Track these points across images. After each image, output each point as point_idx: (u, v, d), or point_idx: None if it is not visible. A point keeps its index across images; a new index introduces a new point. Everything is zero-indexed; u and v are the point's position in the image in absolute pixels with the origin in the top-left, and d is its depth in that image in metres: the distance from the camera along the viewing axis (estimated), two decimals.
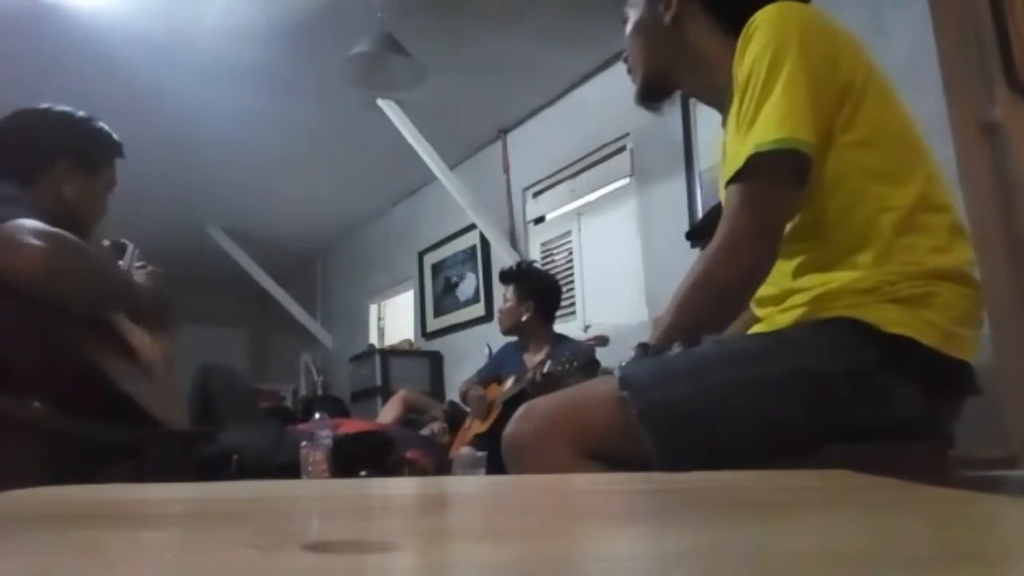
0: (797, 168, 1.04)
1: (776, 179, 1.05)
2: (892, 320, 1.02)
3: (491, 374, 3.26)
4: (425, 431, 3.32)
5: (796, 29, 1.08)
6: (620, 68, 1.42)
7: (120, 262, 1.78)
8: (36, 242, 1.30)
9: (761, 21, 1.10)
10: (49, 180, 1.58)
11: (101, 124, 1.70)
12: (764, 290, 1.14)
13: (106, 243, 1.84)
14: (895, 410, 1.04)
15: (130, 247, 1.83)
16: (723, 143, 1.36)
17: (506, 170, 4.15)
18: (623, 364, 1.13)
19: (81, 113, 1.68)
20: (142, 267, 1.83)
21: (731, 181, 1.08)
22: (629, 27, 1.33)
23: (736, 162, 1.07)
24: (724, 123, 1.30)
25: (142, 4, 2.91)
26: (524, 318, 3.10)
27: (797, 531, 0.42)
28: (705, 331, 1.14)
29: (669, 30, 1.27)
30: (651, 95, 1.34)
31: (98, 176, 1.67)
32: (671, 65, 1.30)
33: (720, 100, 1.28)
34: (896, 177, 1.09)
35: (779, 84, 1.04)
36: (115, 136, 1.72)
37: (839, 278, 1.07)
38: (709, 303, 1.11)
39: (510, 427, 1.08)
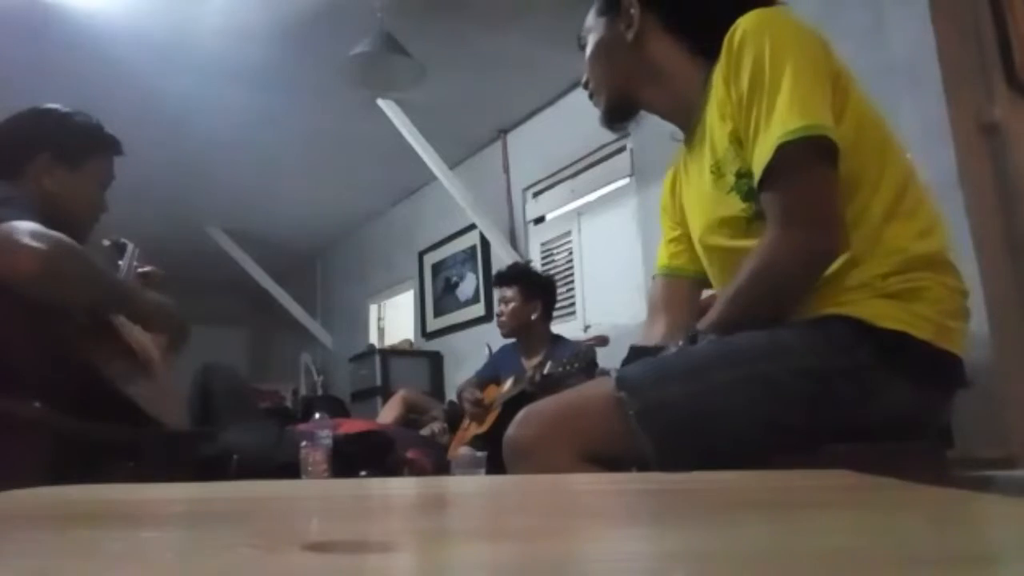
0: (827, 152, 1.04)
1: (814, 162, 1.04)
2: (885, 315, 1.03)
3: (490, 376, 3.25)
4: (425, 431, 3.32)
5: (787, 29, 1.10)
6: None
7: (120, 262, 1.78)
8: (34, 243, 1.30)
9: (748, 28, 1.10)
10: (31, 174, 1.58)
11: (86, 118, 1.70)
12: None
13: (106, 243, 1.84)
14: (892, 406, 1.04)
15: (130, 247, 1.83)
16: (680, 163, 1.37)
17: (506, 170, 4.15)
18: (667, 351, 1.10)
19: (64, 108, 1.68)
20: (140, 267, 1.83)
21: (766, 176, 1.06)
22: (589, 49, 1.34)
23: (762, 158, 1.06)
24: (687, 140, 1.31)
25: (142, 4, 2.91)
26: (533, 317, 3.08)
27: (797, 531, 0.42)
28: (756, 326, 1.11)
29: (631, 48, 1.27)
30: (616, 116, 1.35)
31: (82, 169, 1.66)
32: (635, 84, 1.30)
33: (683, 117, 1.29)
34: (881, 166, 1.10)
35: (788, 78, 1.05)
36: (104, 131, 1.71)
37: (831, 272, 1.07)
38: (769, 295, 1.09)
39: (511, 431, 1.08)
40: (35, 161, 1.59)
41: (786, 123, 1.03)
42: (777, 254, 1.07)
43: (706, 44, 1.19)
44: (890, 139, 1.15)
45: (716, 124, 1.17)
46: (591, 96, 1.37)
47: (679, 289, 1.38)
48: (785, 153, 1.03)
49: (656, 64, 1.27)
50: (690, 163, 1.30)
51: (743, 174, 1.12)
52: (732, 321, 1.10)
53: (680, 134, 1.34)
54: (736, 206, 1.15)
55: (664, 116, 1.35)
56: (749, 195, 1.12)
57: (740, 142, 1.12)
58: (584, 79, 1.37)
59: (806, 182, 1.05)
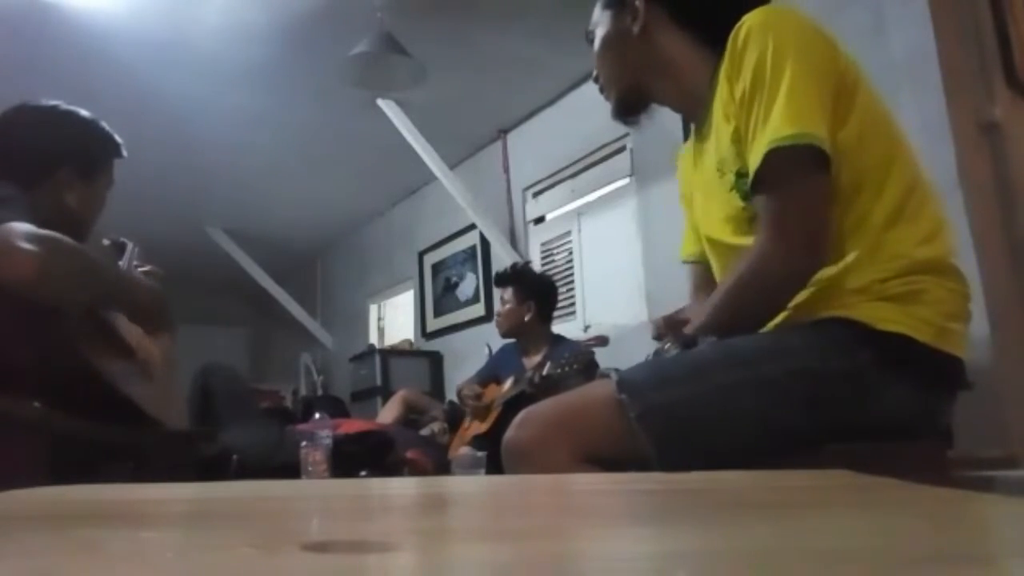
0: (817, 159, 1.04)
1: (802, 170, 1.04)
2: (886, 318, 1.03)
3: (489, 376, 3.25)
4: (425, 431, 3.32)
5: (791, 29, 1.10)
6: None
7: (119, 262, 1.78)
8: (27, 246, 1.29)
9: (753, 26, 1.09)
10: (51, 186, 1.57)
11: (104, 126, 1.70)
12: None
13: (106, 242, 1.84)
14: (892, 408, 1.04)
15: (130, 246, 1.83)
16: (688, 151, 1.36)
17: (506, 170, 4.15)
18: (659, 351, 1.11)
19: (85, 114, 1.68)
20: (140, 267, 1.83)
21: (757, 182, 1.06)
22: (597, 44, 1.34)
23: (753, 162, 1.06)
24: (696, 131, 1.31)
25: (142, 4, 2.91)
26: (526, 319, 3.10)
27: (797, 531, 0.42)
28: (743, 331, 1.12)
29: (638, 41, 1.27)
30: (627, 110, 1.34)
31: (99, 179, 1.67)
32: (644, 76, 1.30)
33: (693, 108, 1.29)
34: (886, 170, 1.10)
35: (786, 82, 1.04)
36: (116, 137, 1.72)
37: (831, 277, 1.07)
38: (756, 301, 1.10)
39: (509, 433, 1.08)
40: (58, 175, 1.59)
41: (778, 129, 1.03)
42: (763, 262, 1.07)
43: (713, 35, 1.18)
44: (898, 140, 1.14)
45: (721, 123, 1.16)
46: (601, 90, 1.36)
47: (712, 275, 1.37)
48: (774, 159, 1.03)
49: (664, 56, 1.26)
50: (700, 154, 1.30)
51: (742, 174, 1.13)
52: (720, 325, 1.11)
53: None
54: (736, 205, 1.15)
55: (674, 108, 1.35)
56: (748, 196, 1.13)
57: (741, 142, 1.12)
58: (594, 73, 1.37)
59: (794, 191, 1.05)
